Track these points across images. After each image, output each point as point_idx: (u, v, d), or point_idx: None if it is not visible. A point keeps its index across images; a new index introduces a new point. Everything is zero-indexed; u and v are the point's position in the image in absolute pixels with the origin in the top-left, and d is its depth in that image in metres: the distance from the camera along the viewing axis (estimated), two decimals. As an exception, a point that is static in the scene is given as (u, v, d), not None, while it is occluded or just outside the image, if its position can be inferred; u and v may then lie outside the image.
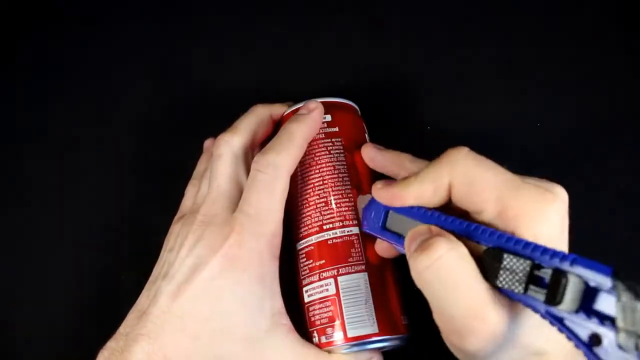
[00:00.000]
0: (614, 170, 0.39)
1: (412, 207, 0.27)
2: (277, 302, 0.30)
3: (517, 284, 0.22)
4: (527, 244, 0.22)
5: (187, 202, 0.35)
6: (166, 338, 0.28)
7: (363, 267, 0.30)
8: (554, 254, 0.22)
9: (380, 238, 0.30)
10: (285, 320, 0.30)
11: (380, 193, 0.28)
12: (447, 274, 0.23)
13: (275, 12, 0.45)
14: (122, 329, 0.29)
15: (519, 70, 0.41)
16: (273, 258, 0.30)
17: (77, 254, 0.40)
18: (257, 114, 0.34)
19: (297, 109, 0.34)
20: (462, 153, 0.26)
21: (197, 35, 0.45)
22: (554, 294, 0.21)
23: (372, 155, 0.32)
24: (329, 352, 0.30)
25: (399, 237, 0.28)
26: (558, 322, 0.21)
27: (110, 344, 0.29)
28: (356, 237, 0.31)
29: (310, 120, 0.32)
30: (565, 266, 0.21)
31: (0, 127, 0.44)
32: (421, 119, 0.40)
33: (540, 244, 0.22)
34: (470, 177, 0.25)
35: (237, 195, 0.31)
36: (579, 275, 0.21)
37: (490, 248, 0.23)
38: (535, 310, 0.22)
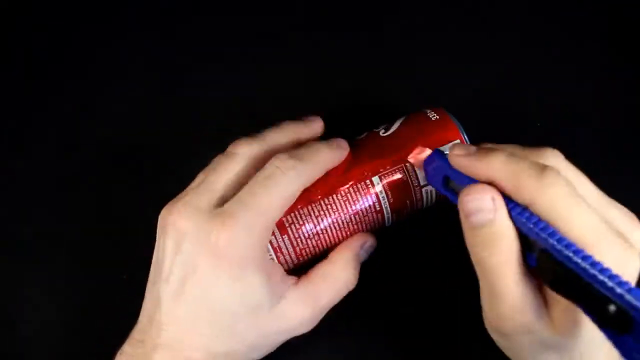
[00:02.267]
0: (614, 172, 0.39)
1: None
2: (276, 276, 0.30)
3: (569, 294, 0.22)
4: (586, 257, 0.22)
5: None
6: (183, 342, 0.28)
7: None
8: (611, 277, 0.21)
9: (439, 192, 0.30)
10: (289, 282, 0.30)
11: (458, 162, 0.27)
12: (501, 271, 0.24)
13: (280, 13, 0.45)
14: (136, 334, 0.29)
15: (520, 73, 0.42)
16: (264, 248, 0.29)
17: (77, 254, 0.40)
18: (286, 131, 0.33)
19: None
20: (558, 183, 0.24)
21: (198, 36, 0.45)
22: (604, 318, 0.21)
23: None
24: None
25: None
26: (605, 332, 0.21)
27: (127, 349, 0.29)
28: None
29: (339, 154, 0.32)
30: (617, 294, 0.20)
31: (0, 126, 0.44)
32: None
33: (599, 262, 0.21)
34: (554, 215, 0.23)
35: (230, 196, 0.29)
36: (629, 306, 0.20)
37: (545, 251, 0.23)
38: (589, 316, 0.22)
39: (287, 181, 0.29)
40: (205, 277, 0.28)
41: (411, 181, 0.32)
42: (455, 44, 0.43)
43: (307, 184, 0.30)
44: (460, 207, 0.25)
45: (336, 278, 0.31)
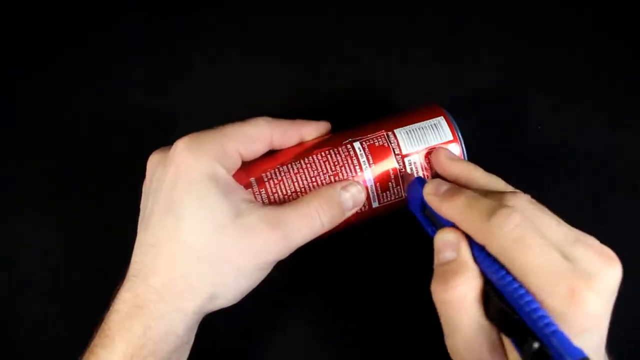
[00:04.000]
0: (615, 171, 0.39)
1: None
2: (239, 195, 0.30)
3: (504, 327, 0.24)
4: (522, 295, 0.23)
5: None
6: (146, 269, 0.28)
7: None
8: (540, 317, 0.22)
9: (417, 218, 0.31)
10: (248, 202, 0.29)
11: (430, 200, 0.28)
12: (457, 305, 0.25)
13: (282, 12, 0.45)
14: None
15: (520, 73, 0.41)
16: (222, 163, 0.30)
17: (77, 254, 0.40)
18: (295, 122, 0.33)
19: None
20: (509, 225, 0.24)
21: (197, 35, 0.44)
22: (527, 352, 0.22)
23: (444, 163, 0.31)
24: None
25: (432, 228, 0.29)
26: None
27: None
28: None
29: (316, 125, 0.33)
30: (543, 333, 0.22)
31: (1, 126, 0.44)
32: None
33: (532, 300, 0.23)
34: (505, 255, 0.24)
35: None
36: (550, 347, 0.21)
37: (492, 287, 0.24)
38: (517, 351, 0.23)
39: (254, 123, 0.31)
40: (167, 189, 0.29)
41: (392, 149, 0.32)
42: (457, 43, 0.43)
43: (276, 138, 0.32)
44: (434, 246, 0.27)
45: (306, 204, 0.30)
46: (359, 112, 0.37)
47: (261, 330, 0.36)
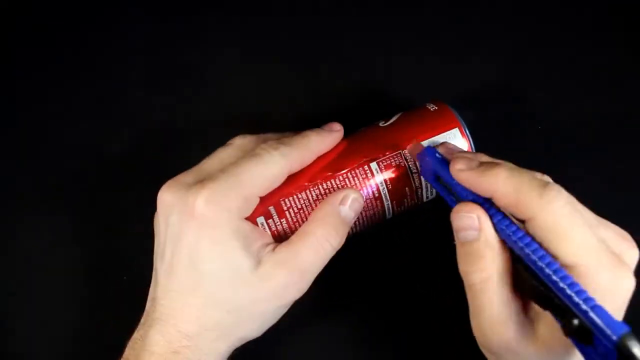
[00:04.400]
0: (615, 171, 0.39)
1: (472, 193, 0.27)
2: (259, 240, 0.30)
3: (543, 304, 0.24)
4: (558, 270, 0.23)
5: None
6: (175, 315, 0.29)
7: None
8: (578, 292, 0.22)
9: (433, 186, 0.30)
10: (271, 246, 0.30)
11: (460, 176, 0.27)
12: (483, 287, 0.25)
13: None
14: (142, 319, 0.30)
15: (520, 73, 0.41)
16: (242, 219, 0.30)
17: (77, 254, 0.40)
18: (305, 140, 0.32)
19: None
20: (561, 200, 0.24)
21: (197, 35, 0.44)
22: (569, 328, 0.22)
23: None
24: None
25: (450, 196, 0.29)
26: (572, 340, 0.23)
27: (134, 335, 0.30)
28: None
29: (330, 139, 0.32)
30: (582, 310, 0.22)
31: (0, 127, 0.43)
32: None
33: (569, 276, 0.23)
34: (553, 231, 0.24)
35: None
36: (590, 322, 0.21)
37: (525, 264, 0.24)
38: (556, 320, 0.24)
39: (271, 160, 0.30)
40: (189, 244, 0.29)
41: (409, 168, 0.32)
42: (457, 43, 0.43)
43: (294, 168, 0.31)
44: (451, 222, 0.27)
45: (314, 235, 0.30)
46: (360, 112, 0.37)
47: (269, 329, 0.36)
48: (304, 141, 0.31)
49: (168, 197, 0.30)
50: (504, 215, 0.26)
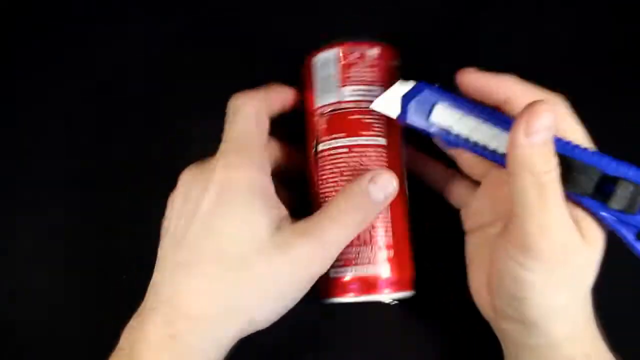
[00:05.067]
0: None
1: (476, 104, 0.29)
2: (279, 210, 0.29)
3: (586, 190, 0.27)
4: (594, 154, 0.27)
5: None
6: (179, 295, 0.27)
7: None
8: (620, 162, 0.27)
9: (417, 129, 0.30)
10: (286, 217, 0.30)
11: (474, 82, 0.29)
12: (556, 186, 0.26)
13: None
14: (141, 305, 0.29)
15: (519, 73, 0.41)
16: (263, 172, 0.30)
17: (77, 254, 0.40)
18: (274, 88, 0.34)
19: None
20: (564, 102, 0.29)
21: (197, 35, 0.44)
22: (621, 200, 0.26)
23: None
24: None
25: (446, 131, 0.29)
26: (613, 221, 0.27)
27: (130, 322, 0.28)
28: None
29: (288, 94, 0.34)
30: (630, 174, 0.26)
31: (0, 127, 0.43)
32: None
33: (606, 155, 0.27)
34: (565, 126, 0.28)
35: None
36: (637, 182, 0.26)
37: (560, 155, 0.26)
38: (599, 215, 0.27)
39: (248, 111, 0.31)
40: (204, 212, 0.28)
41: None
42: (457, 43, 0.43)
43: (268, 111, 0.32)
44: (525, 118, 0.25)
45: (339, 210, 0.29)
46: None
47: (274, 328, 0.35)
48: (266, 88, 0.33)
49: (188, 176, 0.31)
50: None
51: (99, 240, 0.40)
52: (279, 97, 0.33)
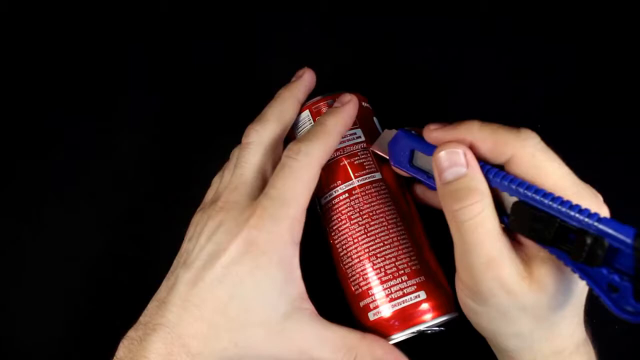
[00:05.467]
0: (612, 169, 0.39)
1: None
2: (298, 287, 0.29)
3: (545, 238, 0.24)
4: (556, 198, 0.24)
5: (210, 193, 0.34)
6: (184, 326, 0.28)
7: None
8: (581, 211, 0.23)
9: (407, 173, 0.30)
10: (307, 305, 0.29)
11: (434, 134, 0.28)
12: (476, 222, 0.25)
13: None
14: (142, 318, 0.29)
15: (519, 73, 0.42)
16: (293, 243, 0.29)
17: (77, 254, 0.40)
18: (284, 101, 0.33)
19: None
20: (536, 137, 0.26)
21: (196, 35, 0.45)
22: (579, 252, 0.22)
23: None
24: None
25: (426, 175, 0.29)
26: (580, 271, 0.23)
27: (130, 333, 0.29)
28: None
29: (344, 113, 0.32)
30: (590, 225, 0.22)
31: (4, 129, 0.44)
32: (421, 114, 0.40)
33: (568, 200, 0.24)
34: (534, 165, 0.25)
35: (261, 185, 0.31)
36: (602, 234, 0.22)
37: (520, 202, 0.25)
38: (562, 260, 0.24)
39: (299, 165, 0.30)
40: (228, 263, 0.28)
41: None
42: (457, 43, 0.43)
43: (324, 158, 0.31)
44: (434, 164, 0.27)
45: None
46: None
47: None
48: (321, 129, 0.31)
49: (221, 216, 0.30)
50: (486, 164, 0.26)
51: (99, 239, 0.40)
52: (327, 143, 0.31)
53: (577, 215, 0.23)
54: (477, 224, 0.25)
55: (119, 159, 0.42)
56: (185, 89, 0.43)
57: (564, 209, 0.23)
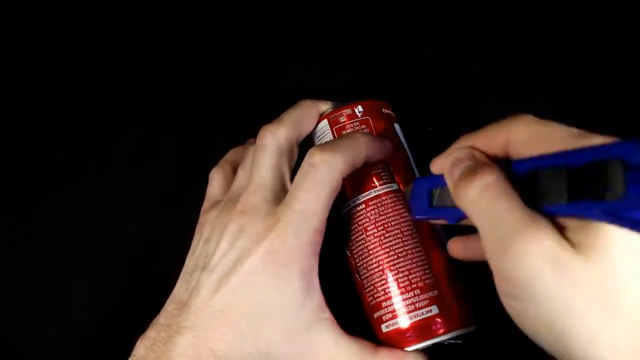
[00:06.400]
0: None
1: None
2: (317, 297, 0.29)
3: (560, 195, 0.21)
4: (558, 154, 0.22)
5: (214, 190, 0.34)
6: (209, 331, 0.28)
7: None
8: (584, 150, 0.21)
9: (430, 218, 0.30)
10: (327, 314, 0.29)
11: (437, 163, 0.28)
12: (495, 199, 0.23)
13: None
14: (162, 319, 0.29)
15: (519, 73, 0.42)
16: (314, 254, 0.29)
17: (77, 253, 0.40)
18: (304, 108, 0.33)
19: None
20: (526, 115, 0.25)
21: (196, 34, 0.45)
22: (598, 188, 0.20)
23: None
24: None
25: (447, 209, 0.28)
26: (614, 216, 0.20)
27: (151, 334, 0.29)
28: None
29: (380, 142, 0.31)
30: (595, 153, 0.21)
31: (4, 129, 0.44)
32: (425, 119, 0.40)
33: (571, 150, 0.22)
34: (532, 131, 0.24)
35: (279, 189, 0.30)
36: (614, 159, 0.20)
37: (531, 173, 0.23)
38: (590, 216, 0.21)
39: (322, 177, 0.29)
40: (251, 270, 0.28)
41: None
42: (456, 43, 0.43)
43: (347, 172, 0.30)
44: (447, 177, 0.26)
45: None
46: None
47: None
48: (351, 143, 0.30)
49: (243, 220, 0.29)
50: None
51: (99, 240, 0.40)
52: (355, 153, 0.30)
53: (577, 153, 0.21)
54: (496, 192, 0.23)
55: (119, 159, 0.42)
56: (185, 89, 0.43)
57: (562, 154, 0.22)
